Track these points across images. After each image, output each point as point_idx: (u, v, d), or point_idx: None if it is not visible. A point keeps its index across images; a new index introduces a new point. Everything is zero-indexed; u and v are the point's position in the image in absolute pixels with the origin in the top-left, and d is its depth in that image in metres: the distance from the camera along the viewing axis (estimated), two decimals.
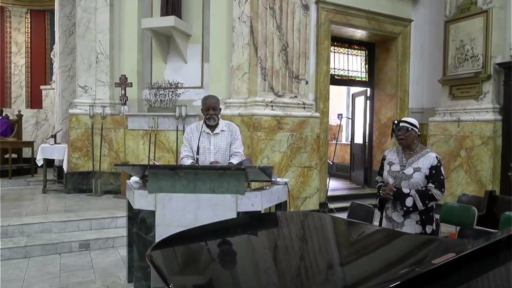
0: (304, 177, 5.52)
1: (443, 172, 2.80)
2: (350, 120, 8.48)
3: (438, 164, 2.79)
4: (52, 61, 9.44)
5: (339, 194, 7.03)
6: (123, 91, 5.86)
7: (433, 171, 2.77)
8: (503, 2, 5.70)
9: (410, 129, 2.80)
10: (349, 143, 8.64)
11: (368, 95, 7.61)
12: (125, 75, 5.89)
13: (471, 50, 5.88)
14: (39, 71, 10.29)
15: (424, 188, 2.77)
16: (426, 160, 2.80)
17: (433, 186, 2.75)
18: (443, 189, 2.77)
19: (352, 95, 8.55)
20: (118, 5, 6.29)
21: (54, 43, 8.91)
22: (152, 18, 6.14)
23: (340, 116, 10.40)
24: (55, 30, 8.25)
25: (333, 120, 10.31)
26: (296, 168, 5.47)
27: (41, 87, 9.90)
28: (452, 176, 6.02)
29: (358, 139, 8.00)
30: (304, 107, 5.61)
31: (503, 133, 5.61)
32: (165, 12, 5.92)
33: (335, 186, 8.16)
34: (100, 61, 6.24)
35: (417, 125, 2.84)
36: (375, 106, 7.52)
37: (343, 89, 10.05)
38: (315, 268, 1.55)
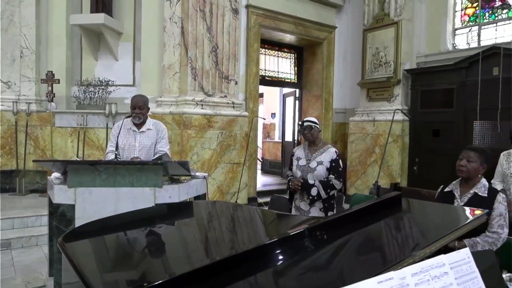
0: (233, 173, 5.79)
1: (341, 165, 3.21)
2: (281, 119, 8.93)
3: (337, 157, 3.19)
4: None
5: (269, 189, 7.41)
6: (49, 88, 5.74)
7: (333, 164, 3.17)
8: (411, 15, 6.41)
9: (313, 126, 3.19)
10: (281, 141, 9.09)
11: (297, 95, 8.08)
12: (51, 71, 5.77)
13: (385, 57, 6.52)
14: None
15: (326, 179, 3.16)
16: (327, 154, 3.19)
17: (333, 177, 3.15)
18: (341, 179, 3.18)
19: (283, 95, 9.01)
20: None
21: None
22: (81, 15, 6.07)
23: (273, 115, 10.87)
24: None
25: (267, 119, 10.73)
26: (226, 165, 5.73)
27: None
28: (369, 170, 6.65)
29: (289, 137, 8.46)
30: (233, 106, 5.89)
31: (410, 132, 6.32)
32: (95, 9, 5.87)
33: (267, 181, 8.59)
34: (25, 56, 6.04)
35: (318, 123, 3.24)
36: (303, 106, 8.01)
37: (277, 89, 10.52)
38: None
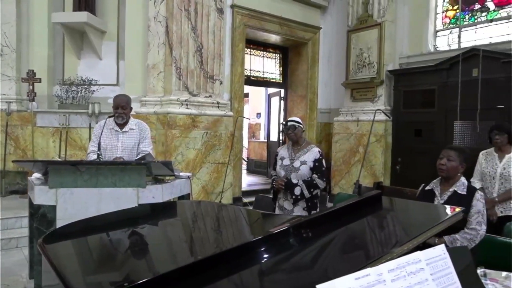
0: (218, 173, 5.78)
1: (324, 164, 3.24)
2: (267, 119, 8.95)
3: (320, 157, 3.22)
4: None
5: (255, 189, 7.41)
6: (31, 87, 5.63)
7: (316, 164, 3.20)
8: (394, 17, 6.50)
9: (297, 126, 3.22)
10: (266, 141, 9.12)
11: (282, 95, 8.12)
12: (33, 70, 5.66)
13: (368, 57, 6.60)
14: None
15: (309, 179, 3.19)
16: (311, 154, 3.22)
17: (317, 176, 3.18)
18: (324, 179, 3.22)
19: (269, 95, 9.03)
20: None
21: None
22: (63, 13, 5.97)
23: (258, 115, 10.89)
24: None
25: (252, 119, 10.74)
26: (211, 165, 5.71)
27: None
28: (352, 170, 6.72)
29: (274, 137, 8.49)
30: (218, 106, 5.88)
31: (393, 131, 6.42)
32: (77, 7, 5.79)
33: (252, 181, 8.60)
34: (5, 54, 5.91)
35: (301, 122, 3.28)
36: (288, 106, 8.05)
37: (262, 89, 10.54)
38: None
